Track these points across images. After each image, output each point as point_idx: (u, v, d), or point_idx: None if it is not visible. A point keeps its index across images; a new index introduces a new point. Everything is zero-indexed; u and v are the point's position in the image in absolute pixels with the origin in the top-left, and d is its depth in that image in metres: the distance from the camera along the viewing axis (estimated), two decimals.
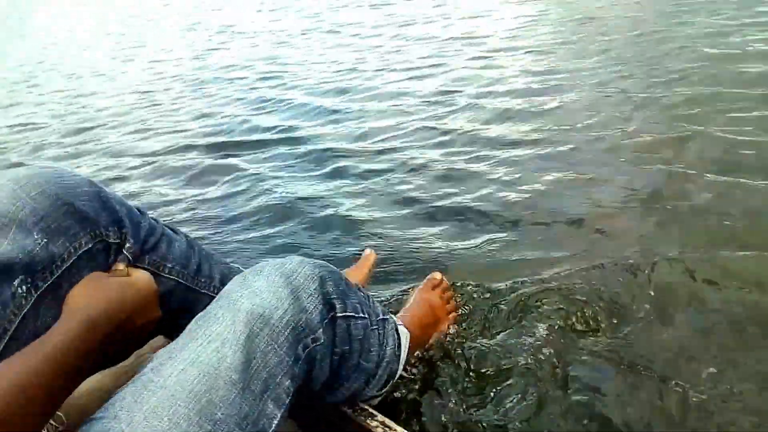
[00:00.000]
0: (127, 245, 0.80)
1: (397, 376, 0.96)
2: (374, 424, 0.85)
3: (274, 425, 0.64)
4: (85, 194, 0.76)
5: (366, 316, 0.84)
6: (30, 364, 0.57)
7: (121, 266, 0.77)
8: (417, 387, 1.08)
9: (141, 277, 0.76)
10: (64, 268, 0.72)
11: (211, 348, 0.62)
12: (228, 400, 0.59)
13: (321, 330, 0.73)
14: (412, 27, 5.49)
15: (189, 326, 0.67)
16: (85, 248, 0.75)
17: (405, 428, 0.84)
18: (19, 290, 0.68)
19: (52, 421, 0.76)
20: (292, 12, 8.04)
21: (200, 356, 0.61)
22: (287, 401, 0.66)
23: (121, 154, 3.21)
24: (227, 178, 2.53)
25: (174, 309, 0.84)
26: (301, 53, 5.12)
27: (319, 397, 0.82)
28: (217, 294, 0.74)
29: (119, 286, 0.71)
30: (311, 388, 0.75)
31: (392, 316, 0.98)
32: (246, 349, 0.62)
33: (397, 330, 0.95)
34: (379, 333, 0.88)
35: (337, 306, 0.77)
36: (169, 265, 0.85)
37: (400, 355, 0.94)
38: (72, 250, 0.73)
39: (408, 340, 0.98)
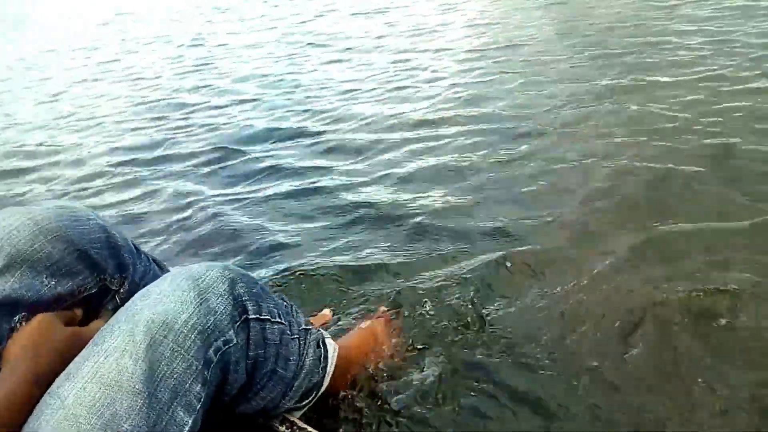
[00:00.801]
0: (122, 290, 0.85)
1: (323, 389, 0.95)
2: None
3: None
4: (98, 241, 0.81)
5: (283, 322, 0.82)
6: None
7: (78, 312, 0.79)
8: (356, 404, 1.07)
9: (95, 328, 0.74)
10: (65, 306, 0.77)
11: (110, 361, 0.61)
12: (134, 411, 0.58)
13: (232, 331, 0.71)
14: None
15: (87, 345, 0.65)
16: (90, 292, 0.81)
17: None
18: (19, 325, 0.72)
19: None
20: None
21: (99, 371, 0.60)
22: (198, 407, 0.65)
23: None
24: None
25: None
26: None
27: (233, 408, 0.81)
28: None
29: (69, 339, 0.70)
30: (228, 393, 0.74)
31: (320, 330, 0.97)
32: (148, 358, 0.61)
33: (323, 342, 0.94)
34: (300, 342, 0.86)
35: (250, 308, 0.76)
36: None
37: (326, 368, 0.93)
38: (77, 293, 0.79)
39: (336, 353, 0.97)
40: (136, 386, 0.60)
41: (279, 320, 0.81)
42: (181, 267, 0.76)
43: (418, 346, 1.25)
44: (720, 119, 2.22)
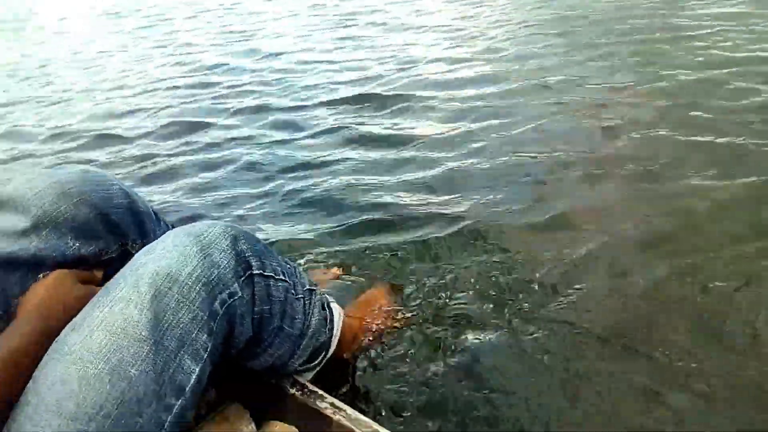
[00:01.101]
0: None
1: (330, 351, 0.94)
2: (324, 405, 0.83)
3: (192, 380, 0.64)
4: (120, 206, 0.82)
5: (287, 280, 0.81)
6: None
7: (98, 274, 0.79)
8: (363, 370, 1.08)
9: None
10: (87, 268, 0.78)
11: (115, 310, 0.61)
12: (140, 357, 0.59)
13: (237, 285, 0.71)
14: None
15: (91, 299, 0.65)
16: (112, 255, 0.82)
17: (354, 409, 0.83)
18: None
19: None
20: None
21: (105, 319, 0.60)
22: (205, 356, 0.66)
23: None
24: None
25: None
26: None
27: (242, 363, 0.81)
28: None
29: (84, 297, 0.69)
30: (235, 346, 0.74)
31: (324, 293, 0.96)
32: (153, 308, 0.61)
33: (328, 305, 0.93)
34: (305, 302, 0.86)
35: (253, 263, 0.75)
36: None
37: (332, 329, 0.93)
38: (99, 255, 0.81)
39: (341, 317, 0.97)
40: (142, 333, 0.60)
41: (283, 278, 0.80)
42: (184, 225, 0.74)
43: (419, 316, 1.24)
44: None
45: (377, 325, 1.17)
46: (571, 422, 0.95)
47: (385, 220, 1.72)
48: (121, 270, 0.68)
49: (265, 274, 0.77)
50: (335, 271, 1.43)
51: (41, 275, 0.74)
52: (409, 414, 0.98)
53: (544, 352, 1.09)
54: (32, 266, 0.73)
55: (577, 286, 1.28)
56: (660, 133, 2.05)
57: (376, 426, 0.79)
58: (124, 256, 0.82)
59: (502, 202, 1.73)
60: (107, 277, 0.71)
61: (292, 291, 0.83)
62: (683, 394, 0.97)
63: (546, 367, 1.06)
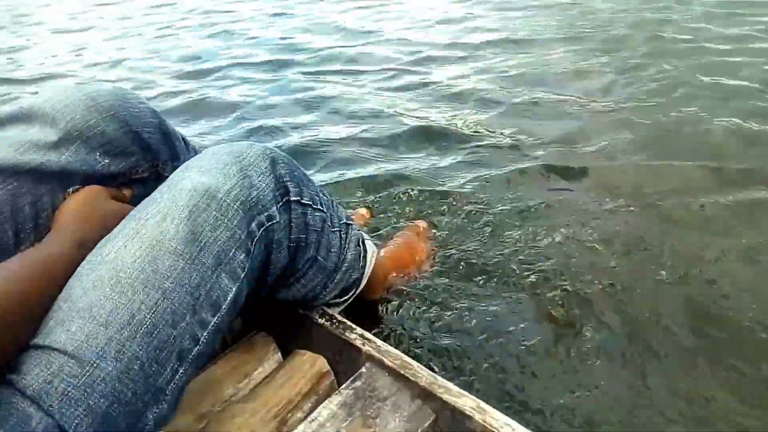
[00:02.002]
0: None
1: (361, 287, 0.92)
2: (353, 336, 0.81)
3: (229, 299, 0.62)
4: (151, 125, 0.80)
5: (324, 210, 0.79)
6: (19, 272, 0.55)
7: (127, 193, 0.78)
8: (390, 311, 1.06)
9: None
10: (117, 185, 0.77)
11: (150, 223, 0.59)
12: (175, 270, 0.57)
13: (275, 209, 0.69)
14: None
15: (129, 214, 0.63)
16: (143, 175, 0.80)
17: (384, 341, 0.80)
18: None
19: None
20: None
21: (140, 231, 0.58)
22: (243, 276, 0.63)
23: None
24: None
25: None
26: None
27: (273, 292, 0.79)
28: None
29: (117, 213, 0.68)
30: (271, 274, 0.72)
31: (360, 229, 0.93)
32: (191, 223, 0.59)
33: (363, 242, 0.91)
34: (341, 235, 0.83)
35: (291, 189, 0.72)
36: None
37: (364, 266, 0.90)
38: (130, 173, 0.79)
39: (374, 255, 0.94)
40: (178, 247, 0.58)
41: (321, 208, 0.78)
42: (222, 144, 0.71)
43: (451, 258, 1.22)
44: None
45: (409, 266, 1.15)
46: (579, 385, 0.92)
47: (415, 169, 1.68)
48: (159, 186, 0.66)
49: (303, 201, 0.74)
50: (363, 212, 1.40)
51: (71, 189, 0.72)
52: (431, 354, 0.96)
53: (572, 315, 1.05)
54: (61, 179, 0.71)
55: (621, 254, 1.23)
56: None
57: (405, 358, 0.76)
58: (156, 178, 0.81)
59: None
60: (139, 199, 0.69)
61: (329, 222, 0.80)
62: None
63: (576, 332, 1.02)
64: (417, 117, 2.08)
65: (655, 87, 2.17)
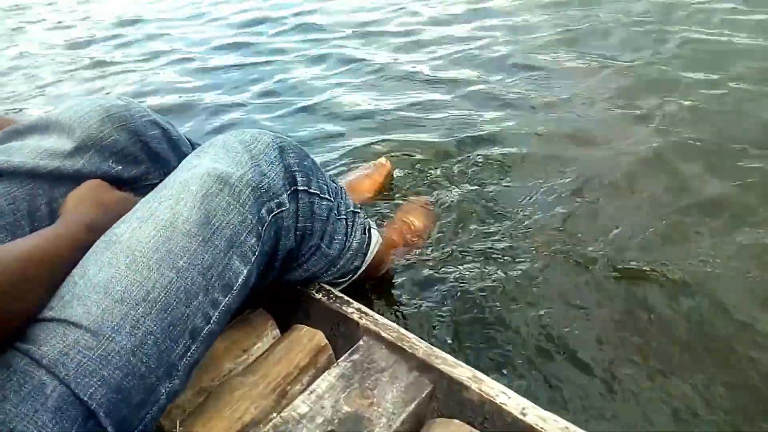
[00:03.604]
0: None
1: (358, 274, 0.93)
2: (350, 310, 0.81)
3: (240, 280, 0.64)
4: (157, 136, 0.84)
5: (331, 199, 0.80)
6: (26, 247, 0.57)
7: (135, 198, 0.79)
8: (388, 282, 1.08)
9: None
10: (131, 189, 0.80)
11: (164, 206, 0.60)
12: (189, 251, 0.58)
13: (285, 196, 0.70)
14: None
15: (143, 198, 0.65)
16: (153, 181, 0.83)
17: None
18: None
19: None
20: None
21: (154, 213, 0.60)
22: (253, 259, 0.65)
23: None
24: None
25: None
26: None
27: (277, 277, 0.80)
28: None
29: (124, 201, 0.71)
30: (279, 259, 0.74)
31: (367, 217, 0.94)
32: (204, 207, 0.61)
33: (369, 229, 0.92)
34: (347, 223, 0.84)
35: (299, 179, 0.74)
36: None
37: (366, 254, 0.91)
38: (141, 180, 0.83)
39: (379, 243, 0.95)
40: (192, 230, 0.59)
41: (327, 197, 0.79)
42: (231, 131, 0.73)
43: (452, 237, 1.22)
44: None
45: (408, 246, 1.17)
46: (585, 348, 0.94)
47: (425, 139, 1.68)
48: (172, 172, 0.67)
49: (311, 190, 0.76)
50: (383, 161, 1.40)
51: None
52: (427, 326, 0.97)
53: (575, 286, 1.06)
54: (77, 182, 0.74)
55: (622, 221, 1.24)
56: None
57: (402, 330, 0.77)
58: None
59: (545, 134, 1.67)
60: None
61: (335, 211, 0.82)
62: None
63: (580, 305, 1.03)
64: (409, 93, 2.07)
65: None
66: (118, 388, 0.52)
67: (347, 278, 0.92)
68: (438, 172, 1.45)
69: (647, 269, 1.07)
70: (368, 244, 0.92)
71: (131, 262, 0.56)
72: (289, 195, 0.72)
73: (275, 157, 0.71)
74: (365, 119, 1.89)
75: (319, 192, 0.77)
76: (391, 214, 1.26)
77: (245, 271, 0.64)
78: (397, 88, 2.15)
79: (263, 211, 0.67)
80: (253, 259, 0.65)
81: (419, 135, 1.71)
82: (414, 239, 1.19)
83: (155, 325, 0.55)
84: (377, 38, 2.81)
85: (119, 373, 0.52)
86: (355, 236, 0.87)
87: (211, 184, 0.62)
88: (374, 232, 0.95)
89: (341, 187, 0.86)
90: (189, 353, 0.59)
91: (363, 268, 0.93)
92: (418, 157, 1.55)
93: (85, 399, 0.50)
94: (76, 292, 0.54)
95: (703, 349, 0.90)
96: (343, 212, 0.84)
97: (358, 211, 0.90)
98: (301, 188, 0.74)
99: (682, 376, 0.87)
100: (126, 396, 0.53)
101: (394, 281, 1.07)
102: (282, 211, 0.70)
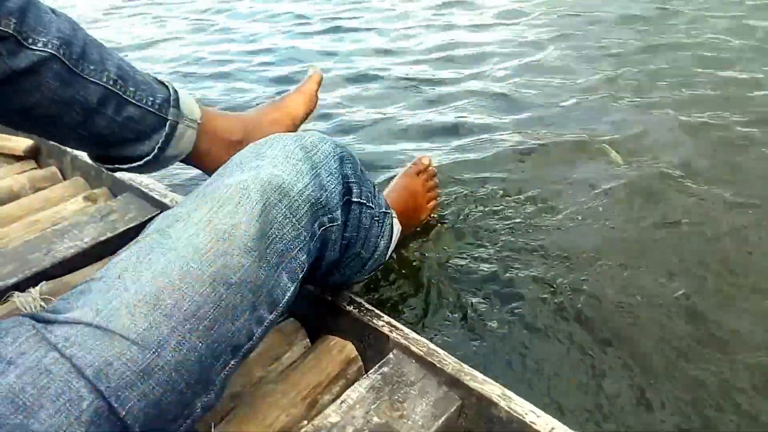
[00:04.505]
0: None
1: (381, 267, 0.93)
2: (380, 323, 0.83)
3: (287, 297, 0.63)
4: None
5: (374, 206, 0.80)
6: None
7: None
8: (418, 294, 1.08)
9: None
10: None
11: (224, 212, 0.58)
12: (243, 266, 0.57)
13: (339, 211, 0.69)
14: None
15: (197, 190, 0.64)
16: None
17: (406, 325, 0.82)
18: None
19: None
20: None
21: (213, 220, 0.58)
22: (300, 276, 0.64)
23: None
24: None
25: (50, 90, 0.71)
26: None
27: (317, 283, 0.81)
28: (113, 87, 0.73)
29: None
30: (320, 269, 0.74)
31: (391, 210, 0.93)
32: (262, 219, 0.59)
33: (392, 224, 0.91)
34: (381, 225, 0.84)
35: (354, 190, 0.74)
36: (42, 39, 0.69)
37: (389, 247, 0.91)
38: None
39: (398, 235, 0.94)
40: (248, 244, 0.58)
41: (372, 205, 0.79)
42: (290, 133, 0.71)
43: (455, 205, 1.26)
44: None
45: (412, 219, 1.17)
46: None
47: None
48: (228, 164, 0.66)
49: (361, 201, 0.76)
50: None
51: None
52: (457, 341, 0.98)
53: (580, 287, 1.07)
54: None
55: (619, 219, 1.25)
56: None
57: (432, 345, 0.78)
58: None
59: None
60: None
61: (376, 217, 0.82)
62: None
63: (605, 325, 1.03)
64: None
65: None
66: (156, 403, 0.51)
67: (370, 274, 0.92)
68: (463, 189, 1.46)
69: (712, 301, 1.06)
70: (392, 237, 0.91)
71: (185, 274, 0.54)
72: (342, 206, 0.71)
73: (335, 168, 0.69)
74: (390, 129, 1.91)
75: (366, 201, 0.77)
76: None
77: (292, 288, 0.63)
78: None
79: (316, 225, 0.66)
80: (300, 275, 0.64)
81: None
82: (419, 213, 1.19)
83: (200, 342, 0.54)
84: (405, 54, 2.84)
85: (159, 389, 0.51)
86: (383, 236, 0.86)
87: (271, 193, 0.61)
88: (396, 228, 0.93)
89: (375, 185, 0.86)
90: (227, 368, 0.59)
91: (384, 261, 0.93)
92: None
93: (123, 414, 0.49)
94: (125, 299, 0.53)
95: None
96: (379, 215, 0.83)
97: (389, 211, 0.89)
98: (355, 199, 0.74)
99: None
100: (162, 411, 0.52)
101: (425, 296, 1.08)
102: (333, 225, 0.69)
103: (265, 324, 0.61)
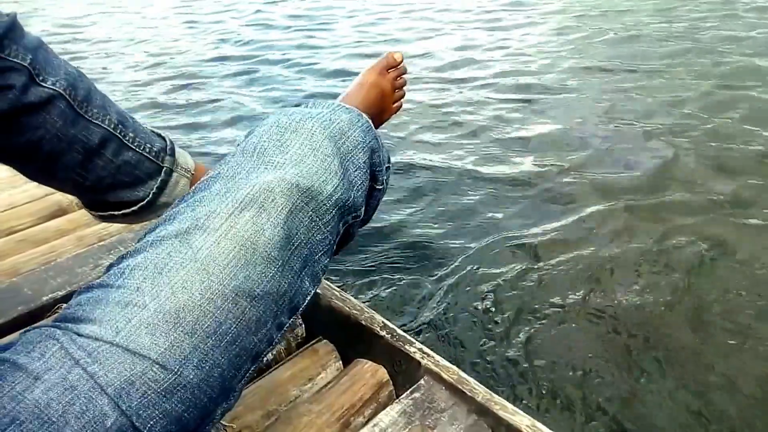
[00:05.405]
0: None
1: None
2: (413, 350, 0.85)
3: (307, 301, 0.60)
4: None
5: (387, 184, 0.74)
6: None
7: None
8: (454, 327, 1.10)
9: None
10: None
11: (246, 217, 0.55)
12: (267, 277, 0.55)
13: (363, 207, 0.66)
14: None
15: (215, 186, 0.59)
16: None
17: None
18: None
19: None
20: None
21: (233, 228, 0.55)
22: (321, 278, 0.62)
23: None
24: None
25: (55, 127, 0.75)
26: None
27: None
28: (114, 131, 0.76)
29: None
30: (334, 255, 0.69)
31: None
32: (287, 225, 0.56)
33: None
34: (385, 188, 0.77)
35: (380, 179, 0.69)
36: (51, 78, 0.75)
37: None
38: None
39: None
40: (272, 253, 0.55)
41: (386, 184, 0.73)
42: (317, 112, 0.64)
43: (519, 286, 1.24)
44: None
45: (379, 116, 1.04)
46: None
47: None
48: (245, 152, 0.60)
49: (383, 188, 0.71)
50: None
51: None
52: (487, 370, 0.99)
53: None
54: None
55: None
56: None
57: (462, 374, 0.80)
58: None
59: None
60: None
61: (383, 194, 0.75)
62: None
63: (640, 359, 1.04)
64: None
65: None
66: (178, 419, 0.51)
67: None
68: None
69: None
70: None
71: (206, 289, 0.52)
72: (366, 198, 0.67)
73: (364, 161, 0.65)
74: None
75: (384, 184, 0.72)
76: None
77: (312, 291, 0.61)
78: None
79: (341, 225, 0.62)
80: (321, 277, 0.61)
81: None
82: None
83: (223, 357, 0.53)
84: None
85: (182, 406, 0.51)
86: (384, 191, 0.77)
87: (298, 197, 0.57)
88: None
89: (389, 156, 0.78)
90: (247, 375, 0.58)
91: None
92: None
93: (144, 431, 0.48)
94: (145, 317, 0.51)
95: None
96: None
97: (390, 165, 0.78)
98: (378, 187, 0.70)
99: None
100: (185, 425, 0.51)
101: (456, 324, 1.10)
102: (356, 220, 0.65)
103: (284, 329, 0.59)
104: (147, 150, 0.82)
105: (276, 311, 0.57)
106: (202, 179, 0.61)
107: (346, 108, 0.66)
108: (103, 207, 0.84)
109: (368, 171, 0.66)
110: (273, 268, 0.55)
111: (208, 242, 0.54)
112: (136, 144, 0.81)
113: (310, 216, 0.58)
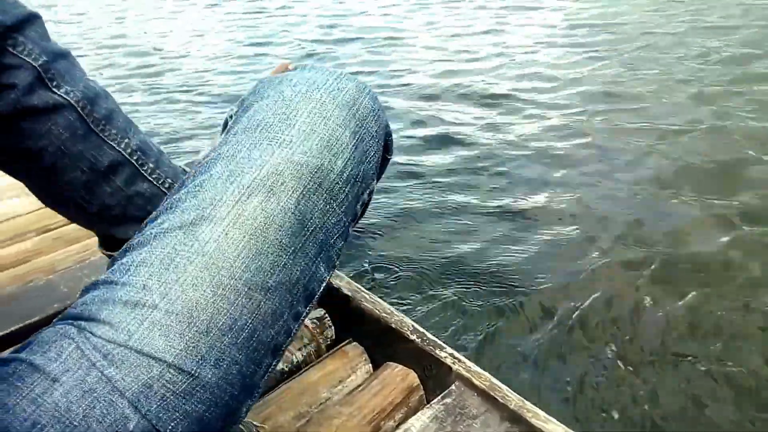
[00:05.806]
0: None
1: None
2: (443, 354, 0.84)
3: (322, 287, 0.57)
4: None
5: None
6: None
7: None
8: (484, 333, 1.08)
9: None
10: None
11: (253, 204, 0.51)
12: (279, 266, 0.52)
13: (375, 180, 0.62)
14: None
15: (216, 168, 0.54)
16: None
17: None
18: None
19: None
20: None
21: (241, 216, 0.51)
22: (337, 262, 0.58)
23: None
24: None
25: (59, 139, 0.72)
26: None
27: None
28: (130, 157, 0.73)
29: None
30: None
31: None
32: (299, 210, 0.52)
33: None
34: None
35: (390, 148, 0.66)
36: (66, 87, 0.72)
37: None
38: None
39: None
40: (284, 240, 0.52)
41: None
42: (325, 75, 0.59)
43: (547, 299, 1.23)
44: None
45: None
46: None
47: None
48: (248, 125, 0.56)
49: (392, 156, 0.68)
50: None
51: None
52: (519, 377, 0.98)
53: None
54: None
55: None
56: None
57: (495, 380, 0.80)
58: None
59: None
60: None
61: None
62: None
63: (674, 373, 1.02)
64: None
65: None
66: (200, 420, 0.49)
67: None
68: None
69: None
70: None
71: (217, 285, 0.50)
72: (377, 170, 0.63)
73: (377, 131, 0.60)
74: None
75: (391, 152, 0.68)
76: None
77: (328, 277, 0.58)
78: None
79: (357, 205, 0.59)
80: (336, 261, 0.58)
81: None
82: None
83: (241, 354, 0.51)
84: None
85: (202, 406, 0.49)
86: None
87: (309, 180, 0.53)
88: None
89: None
90: (269, 369, 0.55)
91: None
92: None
93: None
94: (157, 319, 0.49)
95: None
96: None
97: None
98: (388, 156, 0.66)
99: None
100: (207, 425, 0.50)
101: (486, 329, 1.09)
102: (371, 197, 0.62)
103: (301, 318, 0.57)
104: (167, 186, 0.77)
105: (291, 301, 0.54)
106: (199, 161, 0.57)
107: (349, 75, 0.62)
108: (113, 245, 0.80)
109: (381, 140, 0.62)
110: (286, 256, 0.52)
111: (216, 233, 0.51)
112: (154, 176, 0.77)
113: (324, 198, 0.54)
